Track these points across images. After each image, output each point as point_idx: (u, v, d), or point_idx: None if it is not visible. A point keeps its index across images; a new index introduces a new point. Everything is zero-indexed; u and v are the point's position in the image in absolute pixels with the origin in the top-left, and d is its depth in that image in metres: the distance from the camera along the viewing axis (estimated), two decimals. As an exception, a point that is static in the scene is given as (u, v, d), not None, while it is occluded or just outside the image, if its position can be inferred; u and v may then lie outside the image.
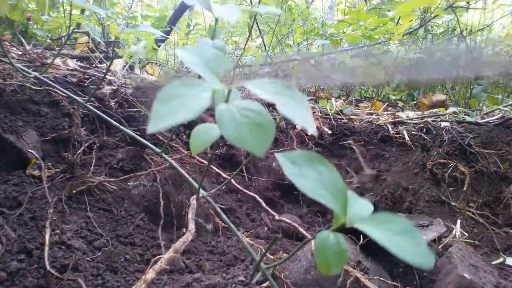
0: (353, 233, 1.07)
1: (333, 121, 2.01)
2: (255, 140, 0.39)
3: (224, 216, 0.88)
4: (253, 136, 0.39)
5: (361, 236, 1.05)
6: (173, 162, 0.97)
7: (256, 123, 0.40)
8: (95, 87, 1.55)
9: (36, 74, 1.16)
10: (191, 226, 0.86)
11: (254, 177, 1.76)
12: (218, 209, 0.89)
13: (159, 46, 2.49)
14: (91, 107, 1.13)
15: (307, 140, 1.88)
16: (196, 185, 0.90)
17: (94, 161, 1.30)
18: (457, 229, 1.28)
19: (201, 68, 0.47)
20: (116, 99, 1.52)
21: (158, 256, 0.77)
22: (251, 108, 0.42)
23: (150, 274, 0.67)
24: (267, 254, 1.09)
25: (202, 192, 0.91)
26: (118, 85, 1.63)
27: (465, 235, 1.29)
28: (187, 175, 0.94)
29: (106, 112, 1.42)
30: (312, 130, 0.40)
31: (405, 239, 0.43)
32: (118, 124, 1.10)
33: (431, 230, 1.28)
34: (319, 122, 1.95)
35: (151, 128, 0.36)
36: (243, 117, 0.40)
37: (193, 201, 0.98)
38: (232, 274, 1.11)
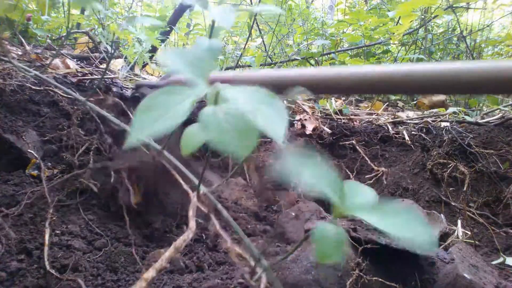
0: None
1: (333, 121, 2.01)
2: (238, 145, 0.38)
3: (225, 212, 0.88)
4: (235, 142, 0.38)
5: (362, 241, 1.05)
6: (173, 158, 0.97)
7: (240, 130, 0.39)
8: (95, 87, 1.56)
9: (37, 73, 1.17)
10: (192, 223, 0.86)
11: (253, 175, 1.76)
12: (219, 206, 0.88)
13: (159, 45, 2.49)
14: (91, 104, 1.13)
15: (307, 139, 1.88)
16: (196, 181, 0.90)
17: (92, 161, 1.30)
18: (459, 229, 1.28)
19: (186, 71, 0.45)
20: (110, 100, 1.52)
21: (158, 250, 0.77)
22: (237, 115, 0.40)
23: (150, 273, 0.67)
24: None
25: (202, 189, 0.91)
26: (119, 87, 1.63)
27: (467, 234, 1.29)
28: (187, 171, 0.94)
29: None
30: (280, 143, 0.39)
31: (406, 222, 0.42)
32: (119, 121, 1.10)
33: (434, 228, 1.28)
34: (319, 122, 1.95)
35: (130, 140, 0.35)
36: (228, 123, 0.39)
37: (193, 198, 0.97)
38: (231, 274, 1.11)
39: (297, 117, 1.97)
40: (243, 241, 0.75)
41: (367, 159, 1.81)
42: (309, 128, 1.90)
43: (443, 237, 1.25)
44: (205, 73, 0.46)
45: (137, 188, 1.28)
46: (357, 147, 1.86)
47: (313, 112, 2.02)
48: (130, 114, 1.56)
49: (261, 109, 0.41)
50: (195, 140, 0.60)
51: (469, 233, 1.30)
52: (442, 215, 1.33)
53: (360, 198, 0.50)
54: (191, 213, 0.89)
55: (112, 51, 1.96)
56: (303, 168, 0.45)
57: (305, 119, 1.94)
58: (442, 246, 1.20)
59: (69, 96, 1.16)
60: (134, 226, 1.24)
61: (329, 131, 1.92)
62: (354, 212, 0.45)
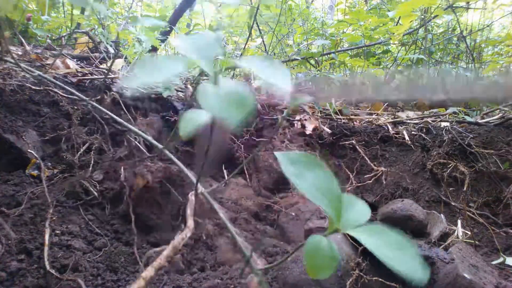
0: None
1: (333, 121, 2.01)
2: (232, 112, 0.42)
3: (221, 214, 0.88)
4: (231, 110, 0.43)
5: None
6: (174, 158, 0.97)
7: (237, 101, 0.44)
8: (96, 87, 1.56)
9: (41, 73, 1.16)
10: (190, 222, 0.86)
11: (254, 175, 1.76)
12: (216, 206, 0.88)
13: (159, 45, 2.49)
14: (96, 104, 1.13)
15: (308, 139, 1.88)
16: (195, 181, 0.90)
17: (93, 161, 1.30)
18: (459, 229, 1.28)
19: (193, 53, 0.50)
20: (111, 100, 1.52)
21: (153, 250, 0.77)
22: (237, 91, 0.45)
23: (149, 272, 0.67)
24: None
25: (200, 189, 0.91)
26: (119, 87, 1.63)
27: (467, 234, 1.29)
28: (186, 170, 0.94)
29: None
30: (287, 89, 0.44)
31: (399, 252, 0.43)
32: (124, 122, 1.10)
33: (434, 228, 1.28)
34: (318, 122, 1.95)
35: (130, 84, 0.41)
36: (227, 95, 0.44)
37: (191, 197, 0.97)
38: (231, 274, 1.11)
39: (297, 117, 1.97)
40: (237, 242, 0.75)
41: (367, 159, 1.81)
42: (309, 128, 1.90)
43: (443, 237, 1.25)
44: (209, 56, 0.51)
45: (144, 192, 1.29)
46: (357, 147, 1.86)
47: (313, 112, 2.02)
48: (127, 114, 1.56)
49: (268, 70, 0.47)
50: (193, 122, 0.62)
51: (469, 233, 1.30)
52: (442, 215, 1.33)
53: (355, 214, 0.50)
54: (189, 211, 0.89)
55: (115, 51, 1.96)
56: (302, 177, 0.45)
57: (305, 119, 1.93)
58: (442, 246, 1.20)
59: (72, 96, 1.16)
60: (137, 227, 1.24)
61: (329, 131, 1.92)
62: (349, 231, 0.45)
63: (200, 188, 0.90)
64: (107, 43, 1.90)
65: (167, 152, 0.96)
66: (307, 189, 0.44)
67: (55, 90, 1.30)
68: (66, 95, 1.37)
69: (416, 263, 0.41)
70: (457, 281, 0.93)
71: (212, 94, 0.44)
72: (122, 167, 1.31)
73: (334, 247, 0.46)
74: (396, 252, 0.42)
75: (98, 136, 1.40)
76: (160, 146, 0.97)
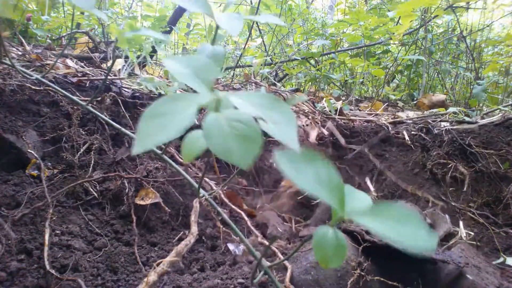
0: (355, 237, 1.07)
1: (333, 121, 2.01)
2: (241, 153, 0.38)
3: (225, 216, 0.88)
4: (239, 149, 0.38)
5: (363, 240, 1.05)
6: (173, 163, 0.97)
7: (244, 136, 0.39)
8: (96, 87, 1.55)
9: (38, 76, 1.16)
10: (194, 228, 0.86)
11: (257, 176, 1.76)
12: (219, 210, 0.89)
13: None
14: (92, 109, 1.13)
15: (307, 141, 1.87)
16: (196, 185, 0.90)
17: (93, 161, 1.30)
18: (462, 230, 1.28)
19: (190, 78, 0.45)
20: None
21: (160, 260, 0.77)
22: (240, 119, 0.40)
23: (152, 277, 0.67)
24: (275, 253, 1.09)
25: (202, 193, 0.91)
26: (119, 87, 1.63)
27: (470, 234, 1.29)
28: (187, 176, 0.94)
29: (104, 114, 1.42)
30: (295, 148, 0.38)
31: (405, 225, 0.42)
32: (119, 126, 1.10)
33: (438, 228, 1.28)
34: (319, 126, 1.95)
35: (136, 149, 0.35)
36: (231, 128, 0.39)
37: (195, 203, 0.97)
38: (231, 275, 1.11)
39: (299, 122, 1.96)
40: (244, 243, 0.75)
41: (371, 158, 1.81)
42: (312, 136, 1.88)
43: (447, 237, 1.25)
44: (208, 80, 0.46)
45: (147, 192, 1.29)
46: (370, 155, 1.85)
47: (313, 116, 2.01)
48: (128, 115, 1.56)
49: (269, 115, 0.40)
50: (196, 146, 0.59)
51: (472, 233, 1.30)
52: (447, 215, 1.33)
53: (358, 202, 0.49)
54: (193, 218, 0.90)
55: (113, 52, 1.96)
56: (301, 173, 0.45)
57: (307, 125, 1.92)
58: (445, 246, 1.20)
59: (71, 96, 1.16)
60: (137, 227, 1.24)
61: (327, 132, 1.92)
62: (354, 218, 0.45)
63: (202, 193, 0.90)
64: (105, 42, 1.90)
65: (166, 158, 0.96)
66: (306, 184, 0.43)
67: (56, 87, 1.29)
68: (65, 96, 1.36)
69: (421, 233, 0.40)
70: (459, 282, 0.93)
71: (216, 131, 0.38)
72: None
73: (340, 236, 0.46)
74: (402, 227, 0.41)
75: (98, 136, 1.40)
76: (158, 152, 0.97)
